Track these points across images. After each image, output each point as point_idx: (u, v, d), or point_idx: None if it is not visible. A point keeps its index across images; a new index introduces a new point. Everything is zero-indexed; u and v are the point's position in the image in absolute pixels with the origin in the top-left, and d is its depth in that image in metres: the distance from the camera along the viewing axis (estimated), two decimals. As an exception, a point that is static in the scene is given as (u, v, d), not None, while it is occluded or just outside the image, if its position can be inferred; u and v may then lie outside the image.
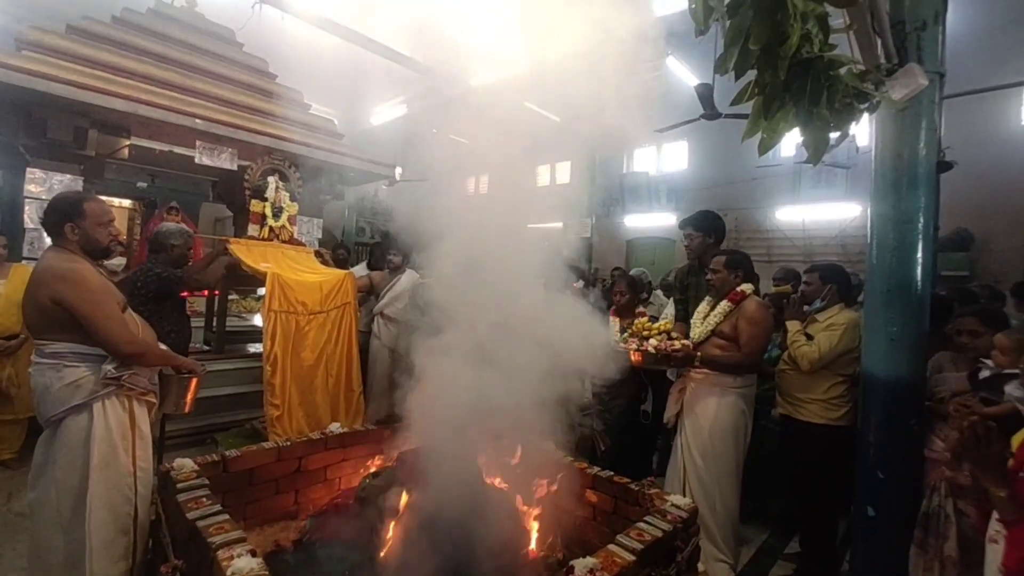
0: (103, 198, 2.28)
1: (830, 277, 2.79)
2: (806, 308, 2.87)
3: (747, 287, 2.67)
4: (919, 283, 2.26)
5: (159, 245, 3.21)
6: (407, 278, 4.01)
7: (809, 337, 2.70)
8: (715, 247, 3.07)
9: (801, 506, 2.88)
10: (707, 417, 2.62)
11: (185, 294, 3.53)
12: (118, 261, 2.02)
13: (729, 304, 2.67)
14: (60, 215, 1.87)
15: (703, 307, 2.85)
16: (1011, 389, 1.72)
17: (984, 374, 1.97)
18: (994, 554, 1.31)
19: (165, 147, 4.64)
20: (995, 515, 1.33)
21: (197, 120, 4.32)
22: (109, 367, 1.81)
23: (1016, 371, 1.80)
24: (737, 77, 1.36)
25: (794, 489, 2.95)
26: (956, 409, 1.99)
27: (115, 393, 1.84)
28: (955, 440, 1.46)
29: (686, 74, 7.42)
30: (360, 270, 4.87)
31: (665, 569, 1.63)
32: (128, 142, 4.35)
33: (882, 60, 2.10)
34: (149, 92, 4.17)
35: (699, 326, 2.78)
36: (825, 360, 2.57)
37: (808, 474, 2.74)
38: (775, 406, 3.16)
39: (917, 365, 2.23)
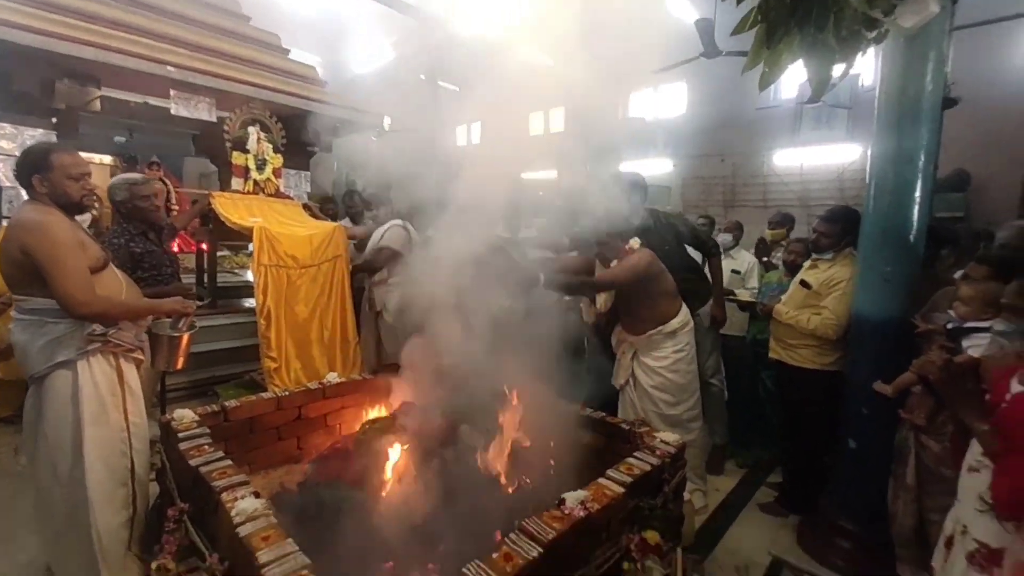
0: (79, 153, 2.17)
1: (853, 228, 2.57)
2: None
3: (634, 242, 2.62)
4: (915, 223, 2.24)
5: (112, 204, 2.87)
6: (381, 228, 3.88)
7: (805, 285, 2.68)
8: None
9: (789, 445, 2.98)
10: (659, 362, 2.60)
11: (175, 250, 3.47)
12: (83, 217, 1.94)
13: None
14: (27, 167, 1.80)
15: None
16: (996, 325, 1.72)
17: (949, 325, 1.90)
18: (973, 482, 1.33)
19: (139, 98, 4.43)
20: (974, 446, 1.35)
21: (170, 68, 4.11)
22: (95, 324, 1.78)
23: (979, 324, 1.78)
24: (739, 0, 1.28)
25: (784, 431, 3.04)
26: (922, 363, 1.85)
27: (100, 350, 1.82)
28: (929, 376, 1.45)
29: (686, 9, 7.04)
30: (347, 223, 4.78)
31: (652, 499, 1.70)
32: (99, 93, 4.15)
33: (891, -16, 1.98)
34: (118, 39, 3.94)
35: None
36: (845, 321, 2.51)
37: (798, 416, 2.82)
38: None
39: (909, 305, 2.25)
